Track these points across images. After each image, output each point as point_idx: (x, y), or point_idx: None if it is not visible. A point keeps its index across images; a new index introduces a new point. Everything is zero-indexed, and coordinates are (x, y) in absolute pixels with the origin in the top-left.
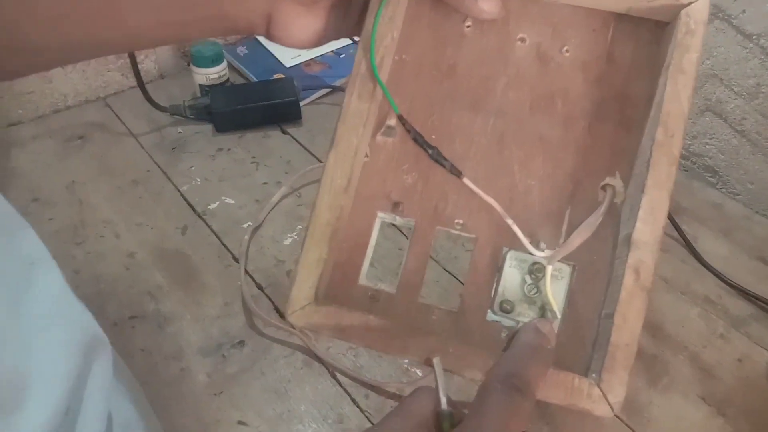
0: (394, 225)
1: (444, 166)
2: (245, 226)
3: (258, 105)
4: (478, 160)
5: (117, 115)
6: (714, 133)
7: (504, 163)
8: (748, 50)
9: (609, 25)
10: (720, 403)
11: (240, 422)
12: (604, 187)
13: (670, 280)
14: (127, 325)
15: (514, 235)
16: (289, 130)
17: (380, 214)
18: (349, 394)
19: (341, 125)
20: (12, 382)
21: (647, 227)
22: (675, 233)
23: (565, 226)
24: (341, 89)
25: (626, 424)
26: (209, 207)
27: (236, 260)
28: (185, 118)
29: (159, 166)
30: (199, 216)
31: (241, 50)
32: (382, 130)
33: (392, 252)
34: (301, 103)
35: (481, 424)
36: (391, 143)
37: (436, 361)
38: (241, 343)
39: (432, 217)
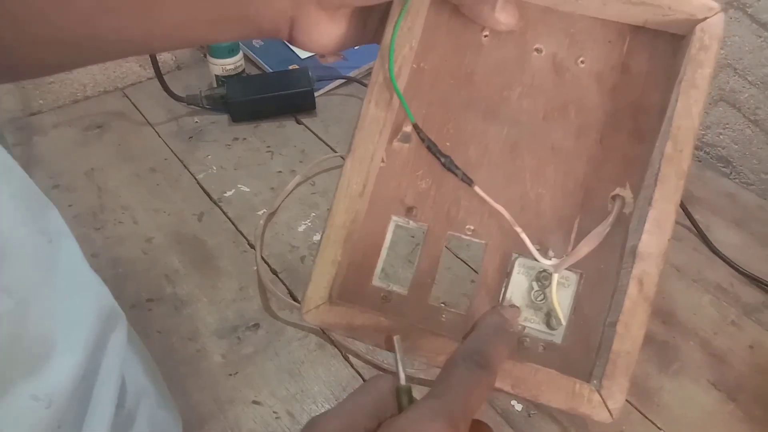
0: (407, 228)
1: (456, 175)
2: (260, 213)
3: (273, 95)
4: (491, 167)
5: (135, 105)
6: (728, 123)
7: (516, 171)
8: (762, 39)
9: (625, 36)
10: (731, 388)
11: (254, 401)
12: (614, 197)
13: (682, 267)
14: (145, 307)
15: (523, 242)
16: (304, 120)
17: (394, 218)
18: (362, 376)
19: (359, 132)
20: (40, 344)
21: (653, 239)
22: (687, 222)
23: (574, 234)
24: (355, 80)
25: (637, 409)
26: (225, 194)
27: (251, 246)
28: (202, 108)
29: (176, 155)
30: (215, 203)
31: (257, 41)
32: (398, 136)
33: (405, 253)
34: (316, 94)
35: (443, 393)
36: (406, 149)
37: (396, 339)
38: (256, 325)
39: (444, 222)
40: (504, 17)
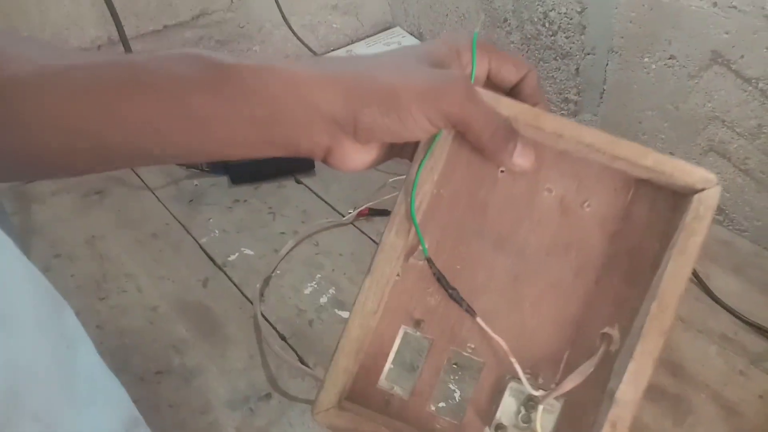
0: (414, 338)
1: (461, 306)
2: (264, 277)
3: (273, 156)
4: (495, 294)
5: (133, 170)
6: (719, 173)
7: (517, 300)
8: (747, 93)
9: (630, 186)
10: None
11: None
12: (602, 336)
13: (687, 318)
14: (154, 380)
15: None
16: (303, 180)
17: (404, 327)
18: None
19: (379, 255)
20: None
21: (630, 389)
22: None
23: (563, 365)
24: None
25: None
26: (229, 258)
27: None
28: (201, 170)
29: (177, 219)
30: (220, 268)
31: None
32: (415, 254)
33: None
34: None
35: None
36: (420, 266)
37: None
38: (268, 395)
39: (448, 337)
40: (520, 161)
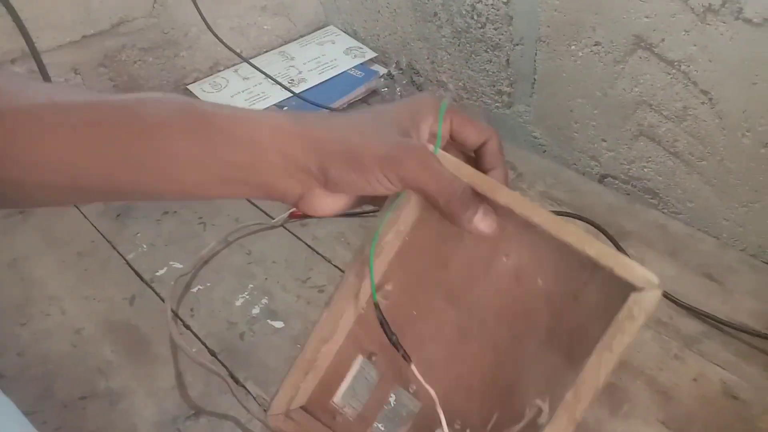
0: (366, 368)
1: (398, 351)
2: (194, 290)
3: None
4: (441, 345)
5: None
6: (650, 157)
7: (459, 354)
8: (671, 76)
9: (585, 268)
10: (680, 425)
11: None
12: (532, 406)
13: None
14: (78, 406)
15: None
16: None
17: (360, 357)
18: None
19: (338, 292)
20: None
21: None
22: None
23: (490, 426)
24: None
25: None
26: (157, 274)
27: (187, 327)
28: None
29: (103, 236)
30: (147, 284)
31: None
32: (380, 292)
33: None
34: None
35: None
36: (383, 304)
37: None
38: (196, 414)
39: (395, 374)
40: (481, 227)
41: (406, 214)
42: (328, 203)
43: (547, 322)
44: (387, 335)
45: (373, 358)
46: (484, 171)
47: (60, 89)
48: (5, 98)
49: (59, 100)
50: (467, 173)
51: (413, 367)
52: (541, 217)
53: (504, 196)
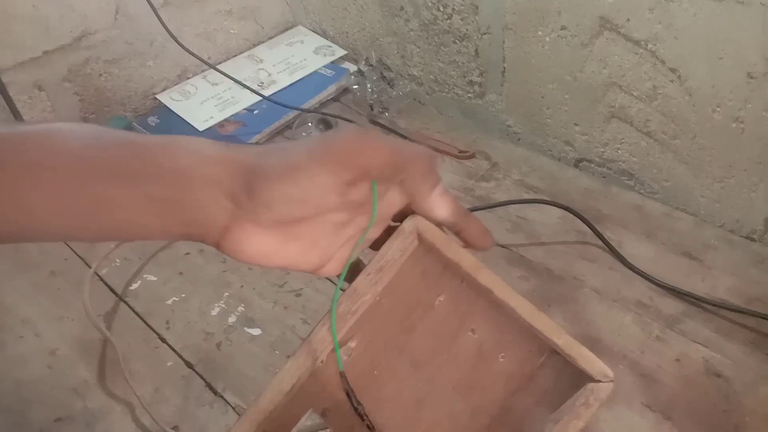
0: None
1: (363, 421)
2: (170, 302)
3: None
4: (398, 410)
5: None
6: (623, 138)
7: (415, 421)
8: (639, 55)
9: (544, 352)
10: (664, 407)
11: None
12: None
13: (601, 289)
14: (54, 428)
15: None
16: None
17: (311, 411)
18: None
19: (306, 345)
20: None
21: None
22: (599, 242)
23: None
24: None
25: None
26: (130, 288)
27: (163, 341)
28: None
29: (76, 252)
30: (121, 299)
31: (153, 120)
32: (344, 348)
33: None
34: None
35: None
36: (345, 360)
37: None
38: (175, 428)
39: None
40: (441, 203)
41: (388, 274)
42: (259, 242)
43: (503, 399)
44: (353, 405)
45: (327, 415)
46: (457, 233)
47: None
48: None
49: None
50: (456, 251)
51: None
52: (518, 302)
53: (487, 276)
